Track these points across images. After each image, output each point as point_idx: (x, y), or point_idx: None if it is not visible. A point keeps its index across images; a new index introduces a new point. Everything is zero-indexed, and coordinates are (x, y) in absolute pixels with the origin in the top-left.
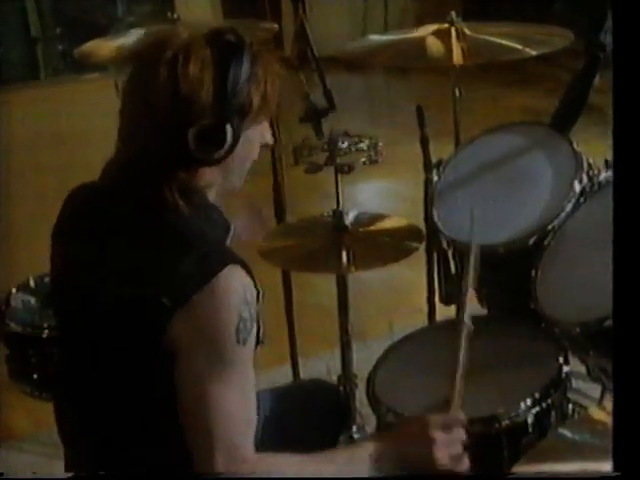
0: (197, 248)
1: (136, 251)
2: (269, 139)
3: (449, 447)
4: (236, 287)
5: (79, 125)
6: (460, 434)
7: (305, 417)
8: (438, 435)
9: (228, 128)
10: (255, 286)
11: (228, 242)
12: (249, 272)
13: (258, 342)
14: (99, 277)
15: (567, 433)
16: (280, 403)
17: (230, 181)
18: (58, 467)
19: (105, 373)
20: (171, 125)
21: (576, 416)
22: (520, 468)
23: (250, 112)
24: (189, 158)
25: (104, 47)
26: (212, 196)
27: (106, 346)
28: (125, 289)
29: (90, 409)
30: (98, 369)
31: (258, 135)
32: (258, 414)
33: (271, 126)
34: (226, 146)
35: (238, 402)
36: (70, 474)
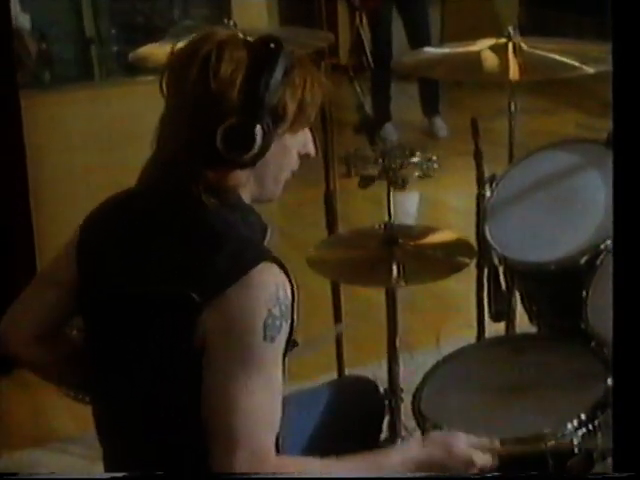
0: (232, 244)
1: (170, 248)
2: (311, 150)
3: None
4: (268, 283)
5: (132, 127)
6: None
7: (346, 415)
8: (478, 457)
9: (258, 130)
10: (291, 286)
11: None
12: (285, 271)
13: (293, 344)
14: (132, 276)
15: None
16: (321, 401)
17: (264, 188)
18: (101, 469)
19: (135, 372)
20: (200, 123)
21: None
22: None
23: (284, 118)
24: (218, 158)
25: (159, 51)
26: (247, 199)
27: (137, 345)
28: (158, 286)
29: (118, 406)
30: (128, 368)
31: (297, 144)
32: (283, 416)
33: (314, 137)
34: (255, 148)
35: (262, 401)
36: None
